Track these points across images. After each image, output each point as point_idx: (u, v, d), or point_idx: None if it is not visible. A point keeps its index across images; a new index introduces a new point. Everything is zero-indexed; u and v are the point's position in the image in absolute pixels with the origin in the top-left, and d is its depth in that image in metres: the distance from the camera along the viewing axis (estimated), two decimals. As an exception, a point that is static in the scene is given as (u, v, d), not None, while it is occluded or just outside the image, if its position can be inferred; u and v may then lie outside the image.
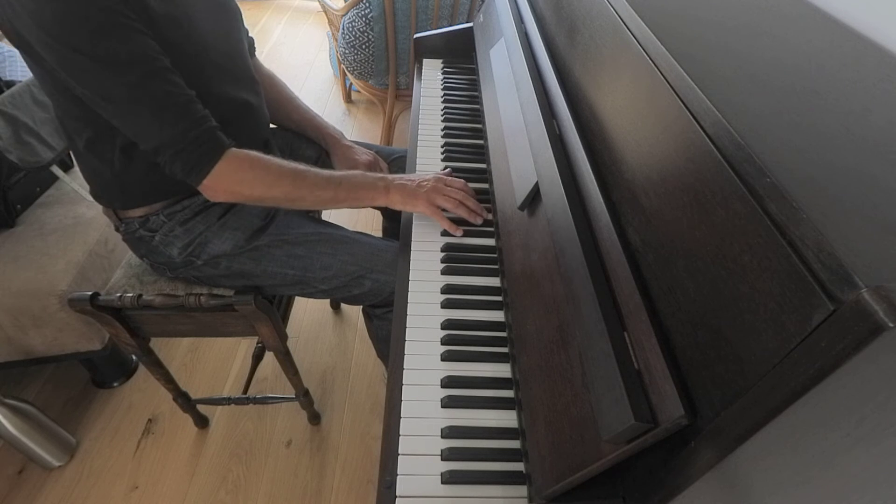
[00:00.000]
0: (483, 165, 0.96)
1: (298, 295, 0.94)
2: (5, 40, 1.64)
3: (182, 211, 0.85)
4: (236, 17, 0.88)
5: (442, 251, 0.79)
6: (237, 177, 0.74)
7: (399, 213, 0.88)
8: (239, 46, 0.87)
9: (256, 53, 1.02)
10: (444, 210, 0.82)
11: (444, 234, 0.82)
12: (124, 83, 0.64)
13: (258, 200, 0.79)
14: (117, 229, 0.88)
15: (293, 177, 0.78)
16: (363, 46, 1.78)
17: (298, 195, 0.79)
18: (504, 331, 0.69)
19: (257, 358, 1.24)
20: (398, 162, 1.10)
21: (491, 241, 0.82)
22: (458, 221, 0.82)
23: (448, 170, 0.90)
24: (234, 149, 0.74)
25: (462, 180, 0.86)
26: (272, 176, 0.77)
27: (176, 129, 0.68)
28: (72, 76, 0.64)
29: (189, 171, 0.71)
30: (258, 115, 0.91)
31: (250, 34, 0.98)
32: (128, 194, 0.82)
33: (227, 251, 0.85)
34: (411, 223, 0.84)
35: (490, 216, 0.84)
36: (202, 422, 1.26)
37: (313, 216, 0.99)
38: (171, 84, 0.68)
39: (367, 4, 1.65)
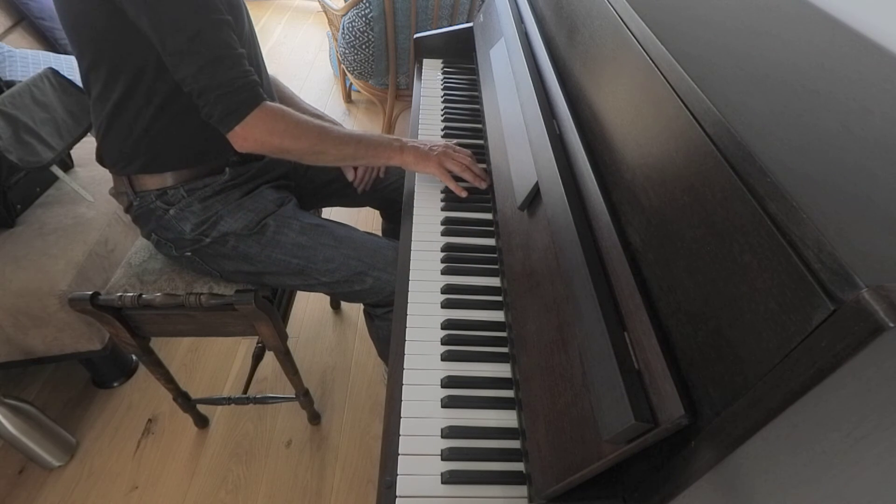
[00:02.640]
0: (483, 165, 0.96)
1: (300, 287, 0.94)
2: (6, 40, 1.64)
3: (203, 188, 0.86)
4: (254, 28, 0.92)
5: (442, 251, 0.79)
6: (268, 126, 0.78)
7: (398, 214, 0.88)
8: (260, 55, 0.92)
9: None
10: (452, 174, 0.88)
11: (445, 234, 0.82)
12: (197, 21, 0.68)
13: (284, 152, 0.82)
14: (129, 207, 0.88)
15: (318, 131, 0.82)
16: (363, 46, 1.78)
17: (322, 149, 0.83)
18: (504, 331, 0.69)
19: (257, 358, 1.24)
20: None
21: (491, 241, 0.82)
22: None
23: (454, 142, 0.95)
24: (268, 102, 0.78)
25: (468, 150, 0.92)
26: (300, 129, 0.81)
27: (227, 75, 0.72)
28: (144, 9, 0.66)
29: (226, 116, 0.75)
30: None
31: None
32: (151, 155, 0.83)
33: (237, 230, 0.87)
34: (411, 223, 0.84)
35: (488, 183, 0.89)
36: (202, 422, 1.26)
37: (317, 213, 0.99)
38: (231, 38, 0.73)
39: (367, 4, 1.65)
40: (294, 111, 0.82)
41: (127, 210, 0.89)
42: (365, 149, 0.86)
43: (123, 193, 0.87)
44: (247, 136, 0.77)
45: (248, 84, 0.75)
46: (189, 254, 0.89)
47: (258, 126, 0.77)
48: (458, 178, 0.89)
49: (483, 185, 0.89)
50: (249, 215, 0.87)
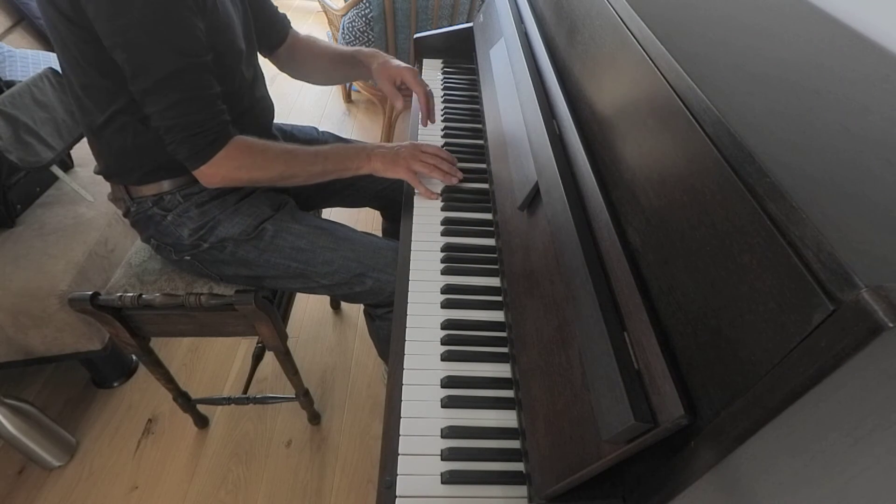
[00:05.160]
0: (483, 165, 0.96)
1: (300, 290, 0.94)
2: (6, 40, 1.64)
3: (199, 193, 0.86)
4: (252, 28, 0.90)
5: (442, 251, 0.79)
6: (236, 163, 0.78)
7: (398, 214, 0.88)
8: (257, 64, 0.92)
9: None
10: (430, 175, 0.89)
11: (445, 234, 0.82)
12: (169, 67, 0.68)
13: (254, 182, 0.83)
14: (127, 212, 0.88)
15: (286, 157, 0.83)
16: (363, 46, 1.78)
17: (291, 173, 0.83)
18: (504, 331, 0.69)
19: (257, 358, 1.24)
20: None
21: (491, 241, 0.82)
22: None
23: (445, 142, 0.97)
24: (235, 138, 0.78)
25: (437, 146, 0.92)
26: (268, 159, 0.81)
27: (196, 117, 0.72)
28: (120, 44, 0.66)
29: (192, 156, 0.75)
30: (269, 112, 0.97)
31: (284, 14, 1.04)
32: (145, 167, 0.83)
33: (235, 235, 0.86)
34: (411, 223, 0.84)
35: (462, 177, 0.91)
36: (202, 422, 1.26)
37: (317, 214, 0.99)
38: (206, 80, 0.73)
39: (367, 4, 1.66)
40: (261, 141, 0.81)
41: (125, 215, 0.89)
42: (334, 163, 0.86)
43: (121, 199, 0.87)
44: (214, 174, 0.78)
45: (217, 126, 0.74)
46: (188, 258, 0.89)
47: (224, 164, 0.77)
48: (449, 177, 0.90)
49: (454, 181, 0.89)
50: (247, 220, 0.87)
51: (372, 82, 1.11)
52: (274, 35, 1.01)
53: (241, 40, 0.82)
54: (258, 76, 0.91)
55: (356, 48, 1.07)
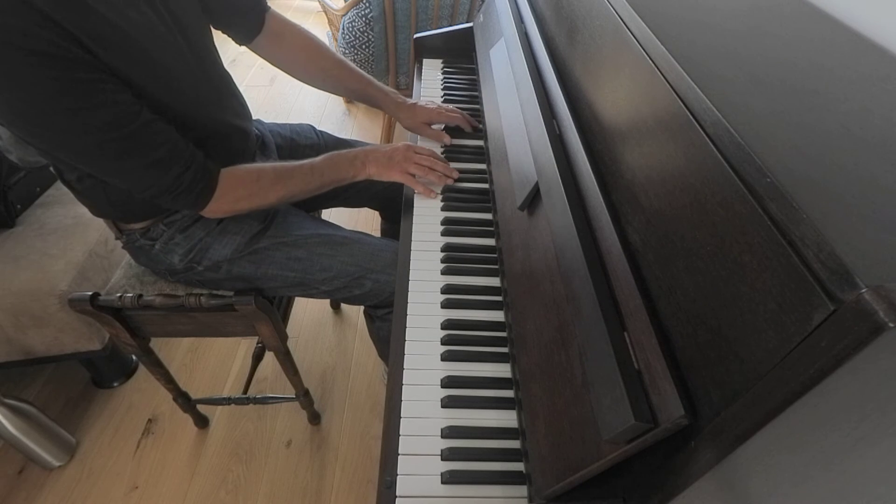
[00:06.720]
0: (483, 166, 0.96)
1: (299, 296, 0.94)
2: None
3: (182, 219, 0.85)
4: (207, 45, 0.82)
5: (442, 251, 0.79)
6: (233, 196, 0.78)
7: (398, 214, 0.88)
8: (218, 73, 0.84)
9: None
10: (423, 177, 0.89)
11: (444, 234, 0.82)
12: (109, 147, 0.64)
13: (256, 209, 0.82)
14: (117, 238, 0.88)
15: (282, 179, 0.81)
16: (363, 46, 1.78)
17: (290, 194, 0.83)
18: (504, 331, 0.69)
19: (257, 358, 1.24)
20: None
21: (491, 241, 0.82)
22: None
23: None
24: (222, 171, 0.76)
25: (431, 150, 0.92)
26: (264, 187, 0.80)
27: (168, 176, 0.70)
28: (55, 151, 0.65)
29: (191, 206, 0.75)
30: (247, 136, 0.91)
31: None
32: (126, 215, 0.83)
33: (228, 255, 0.85)
34: (411, 223, 0.84)
35: (457, 176, 0.91)
36: (202, 422, 1.26)
37: (313, 216, 0.99)
38: (154, 134, 0.67)
39: (367, 4, 1.65)
40: (251, 166, 0.79)
41: (117, 239, 0.89)
42: (329, 175, 0.85)
43: (112, 228, 0.87)
44: (216, 211, 0.78)
45: (198, 172, 0.72)
46: (184, 279, 0.90)
47: (222, 202, 0.77)
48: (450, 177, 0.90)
49: (450, 182, 0.90)
50: (236, 238, 0.86)
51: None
52: (245, 24, 0.90)
53: (181, 73, 0.74)
54: (226, 104, 0.84)
55: (379, 84, 1.03)
